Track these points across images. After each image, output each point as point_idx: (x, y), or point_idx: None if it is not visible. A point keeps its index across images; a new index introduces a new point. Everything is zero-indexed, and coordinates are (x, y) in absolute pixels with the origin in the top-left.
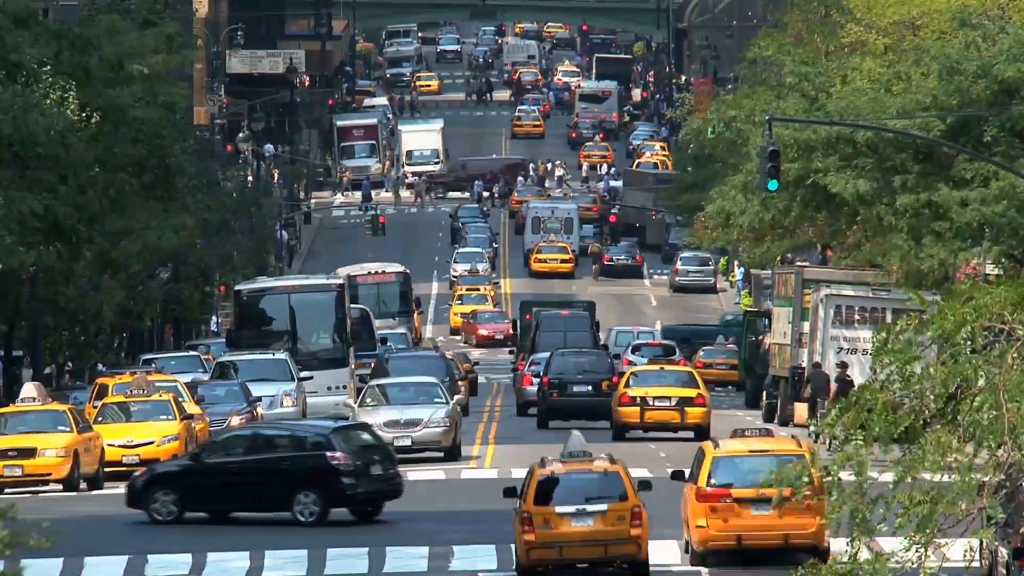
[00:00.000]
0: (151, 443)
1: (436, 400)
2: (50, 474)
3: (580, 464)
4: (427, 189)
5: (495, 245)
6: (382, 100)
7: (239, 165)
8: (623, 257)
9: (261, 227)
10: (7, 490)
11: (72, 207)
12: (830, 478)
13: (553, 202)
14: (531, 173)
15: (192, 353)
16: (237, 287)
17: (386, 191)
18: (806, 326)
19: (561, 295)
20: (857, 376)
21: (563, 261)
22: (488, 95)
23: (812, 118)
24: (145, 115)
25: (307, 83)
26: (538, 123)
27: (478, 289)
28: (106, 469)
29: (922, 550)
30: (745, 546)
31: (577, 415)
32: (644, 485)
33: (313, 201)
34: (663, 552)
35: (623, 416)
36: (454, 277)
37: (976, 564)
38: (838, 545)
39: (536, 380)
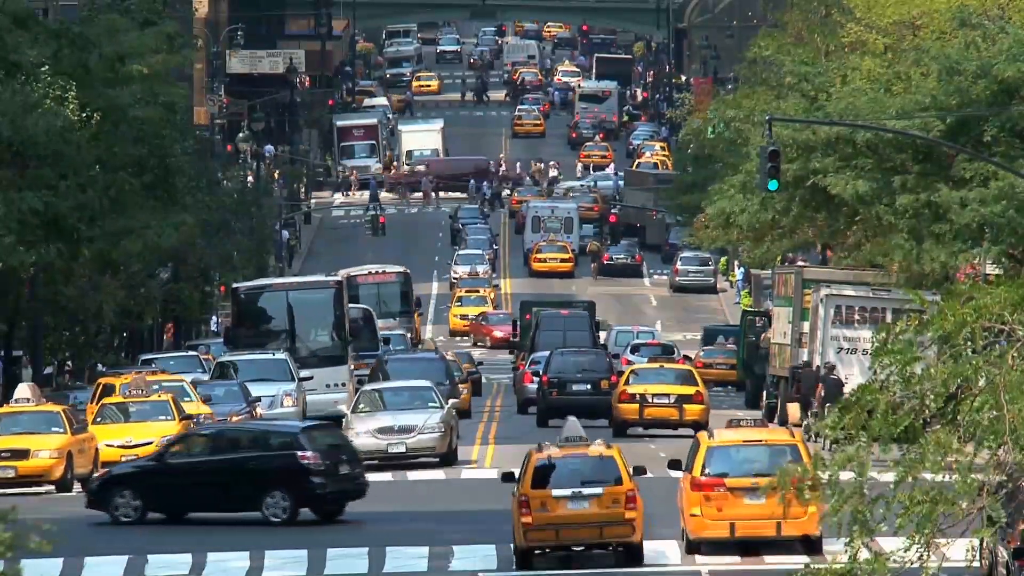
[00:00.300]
0: (150, 443)
1: (431, 405)
2: (43, 476)
3: (576, 449)
4: (412, 189)
5: (495, 247)
6: (382, 100)
7: (239, 165)
8: (623, 256)
9: (261, 227)
10: (0, 491)
11: (72, 206)
12: (829, 477)
13: (553, 201)
14: (518, 172)
15: (191, 353)
16: (235, 285)
17: (386, 191)
18: (806, 326)
19: (561, 295)
20: (857, 376)
21: (563, 261)
22: (485, 95)
23: (812, 118)
24: (145, 115)
25: (307, 83)
26: (539, 122)
27: (477, 291)
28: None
29: (922, 550)
30: (739, 535)
31: (576, 413)
32: (638, 470)
33: (313, 201)
34: (663, 552)
35: (623, 413)
36: (455, 279)
37: (976, 564)
38: (836, 546)
39: (536, 379)
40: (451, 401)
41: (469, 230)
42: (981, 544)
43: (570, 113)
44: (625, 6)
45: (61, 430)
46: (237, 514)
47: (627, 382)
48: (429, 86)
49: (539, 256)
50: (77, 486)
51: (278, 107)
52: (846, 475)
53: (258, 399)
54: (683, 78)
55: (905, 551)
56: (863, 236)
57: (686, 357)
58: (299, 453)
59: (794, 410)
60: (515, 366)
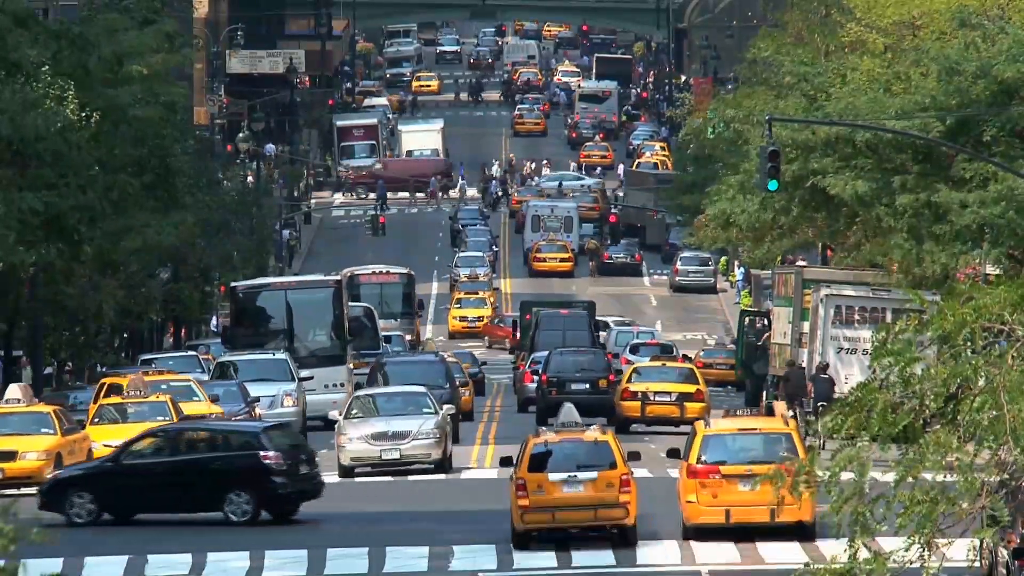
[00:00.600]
0: None
1: (425, 411)
2: (31, 477)
3: (572, 434)
4: (370, 190)
5: (495, 248)
6: (382, 100)
7: (238, 165)
8: (622, 256)
9: (261, 227)
10: None
11: (72, 206)
12: (829, 477)
13: (553, 201)
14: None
15: (191, 353)
16: (233, 284)
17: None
18: (806, 326)
19: (561, 295)
20: (857, 376)
21: (563, 260)
22: (480, 94)
23: (811, 118)
24: (145, 114)
25: (307, 83)
26: (539, 121)
27: (476, 293)
28: None
29: (922, 550)
30: (734, 521)
31: None
32: (633, 456)
33: (313, 201)
34: (663, 552)
35: (625, 410)
36: (455, 281)
37: (976, 564)
38: (831, 542)
39: (536, 378)
40: (446, 407)
41: (469, 231)
42: (981, 544)
43: (560, 113)
44: (625, 6)
45: (51, 431)
46: (197, 515)
47: (629, 380)
48: (429, 86)
49: (539, 255)
50: None
51: (278, 107)
52: (846, 475)
53: (257, 399)
54: (683, 78)
55: (905, 551)
56: (863, 236)
57: (685, 357)
58: (261, 453)
59: (780, 408)
60: (515, 366)
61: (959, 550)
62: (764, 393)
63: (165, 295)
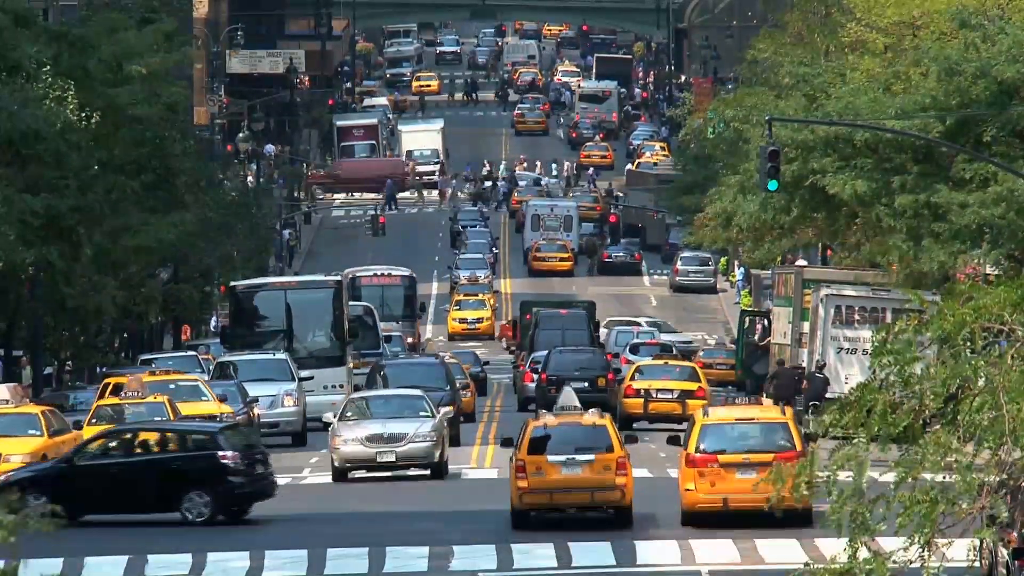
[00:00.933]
0: None
1: (421, 414)
2: None
3: (571, 418)
4: (328, 190)
5: (495, 250)
6: (382, 100)
7: (236, 164)
8: (621, 254)
9: (260, 227)
10: None
11: (72, 207)
12: (828, 477)
13: (553, 200)
14: (470, 175)
15: (190, 353)
16: (232, 284)
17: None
18: (806, 326)
19: (562, 295)
20: (857, 376)
21: (562, 259)
22: (474, 94)
23: (811, 118)
24: (145, 113)
25: (307, 83)
26: (540, 121)
27: (476, 295)
28: None
29: (922, 550)
30: (731, 507)
31: None
32: (630, 439)
33: (323, 197)
34: (663, 552)
35: (628, 407)
36: (455, 284)
37: (976, 564)
38: (835, 546)
39: (536, 377)
40: (443, 410)
41: (469, 233)
42: (981, 544)
43: (558, 113)
44: (625, 6)
45: (38, 432)
46: (153, 515)
47: (632, 378)
48: (429, 86)
49: (539, 255)
50: None
51: (278, 107)
52: (844, 475)
53: (255, 399)
54: (683, 78)
55: (905, 551)
56: (863, 236)
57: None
58: (219, 453)
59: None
60: (515, 365)
61: (959, 550)
62: (764, 394)
63: (165, 295)
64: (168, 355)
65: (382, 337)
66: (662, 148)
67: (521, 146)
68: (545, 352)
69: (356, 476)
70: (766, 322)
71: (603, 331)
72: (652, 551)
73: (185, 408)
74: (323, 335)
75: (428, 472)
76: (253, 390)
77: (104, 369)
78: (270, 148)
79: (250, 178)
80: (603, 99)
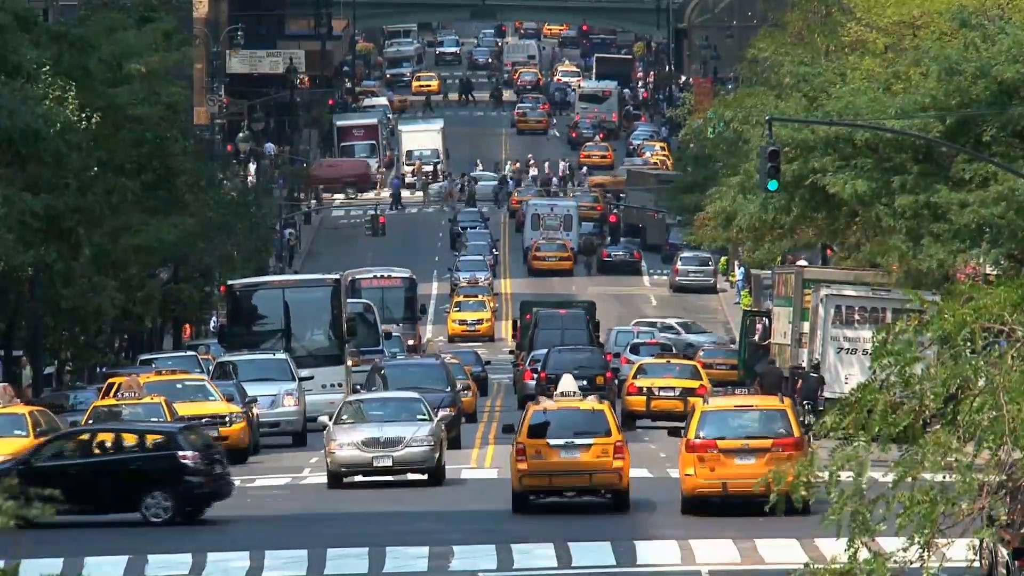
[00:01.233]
0: None
1: (419, 417)
2: None
3: (570, 403)
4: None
5: (495, 252)
6: (382, 100)
7: (236, 164)
8: (621, 253)
9: (261, 227)
10: None
11: (72, 207)
12: (828, 476)
13: (552, 200)
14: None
15: (190, 353)
16: (230, 282)
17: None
18: (806, 326)
19: (561, 295)
20: (857, 376)
21: (562, 259)
22: (470, 94)
23: (811, 118)
24: (145, 113)
25: (307, 83)
26: (541, 120)
27: (476, 296)
28: None
29: (922, 550)
30: (730, 492)
31: None
32: (628, 424)
33: (313, 201)
34: (663, 552)
35: (631, 405)
36: (456, 285)
37: (976, 564)
38: (835, 547)
39: (536, 375)
40: (441, 413)
41: (469, 235)
42: (981, 544)
43: (559, 113)
44: (625, 6)
45: (23, 433)
46: (113, 516)
47: (635, 376)
48: (429, 86)
49: (538, 254)
50: None
51: (278, 107)
52: (845, 475)
53: (254, 399)
54: (683, 78)
55: (905, 551)
56: (863, 236)
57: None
58: (179, 453)
59: None
60: (515, 364)
61: (959, 550)
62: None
63: (165, 295)
64: (168, 355)
65: (382, 335)
66: (662, 148)
67: (522, 145)
68: (544, 351)
69: (352, 481)
70: (767, 321)
71: (631, 330)
72: (652, 551)
73: (192, 408)
74: (321, 334)
75: (425, 477)
76: (253, 390)
77: (104, 369)
78: (270, 148)
79: (250, 178)
80: (603, 99)
